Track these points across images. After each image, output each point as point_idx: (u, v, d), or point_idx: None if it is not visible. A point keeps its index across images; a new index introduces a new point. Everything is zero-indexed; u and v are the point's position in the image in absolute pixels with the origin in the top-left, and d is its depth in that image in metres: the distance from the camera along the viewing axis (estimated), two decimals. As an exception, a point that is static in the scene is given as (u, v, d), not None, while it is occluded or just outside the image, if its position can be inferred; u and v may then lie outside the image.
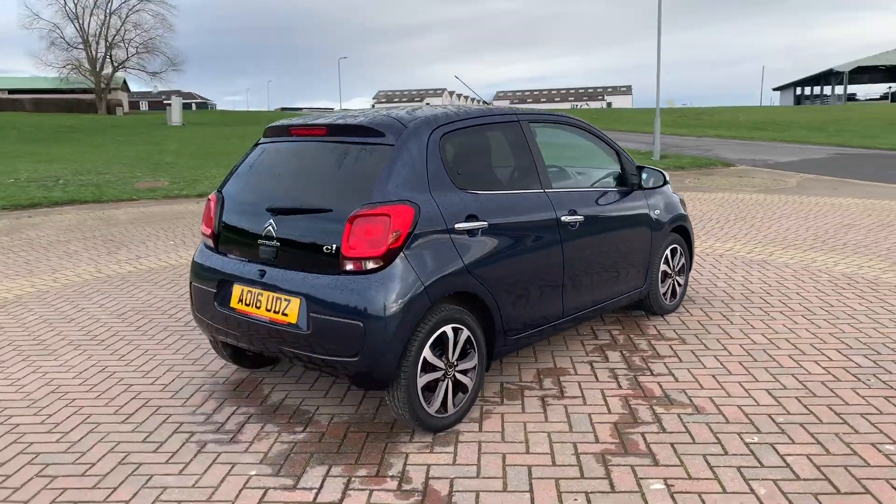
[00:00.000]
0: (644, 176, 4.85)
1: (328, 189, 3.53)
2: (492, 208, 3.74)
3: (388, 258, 3.26)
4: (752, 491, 2.93)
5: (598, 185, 4.79)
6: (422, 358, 3.37)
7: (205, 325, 3.99)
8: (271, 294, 3.54)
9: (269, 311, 3.53)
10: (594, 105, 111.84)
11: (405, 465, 3.23)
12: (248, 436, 3.57)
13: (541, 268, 3.99)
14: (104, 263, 7.62)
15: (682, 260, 5.44)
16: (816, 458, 3.19)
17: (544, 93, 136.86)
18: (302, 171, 3.75)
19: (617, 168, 4.87)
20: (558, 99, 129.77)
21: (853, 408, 3.69)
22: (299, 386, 4.19)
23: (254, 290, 3.63)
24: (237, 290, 3.72)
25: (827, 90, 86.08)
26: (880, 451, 3.24)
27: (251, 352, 3.83)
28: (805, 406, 3.73)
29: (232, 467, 3.25)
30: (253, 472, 3.20)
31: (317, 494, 3.00)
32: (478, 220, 3.62)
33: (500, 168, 4.14)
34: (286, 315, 3.46)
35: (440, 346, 3.46)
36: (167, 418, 3.79)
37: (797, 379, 4.09)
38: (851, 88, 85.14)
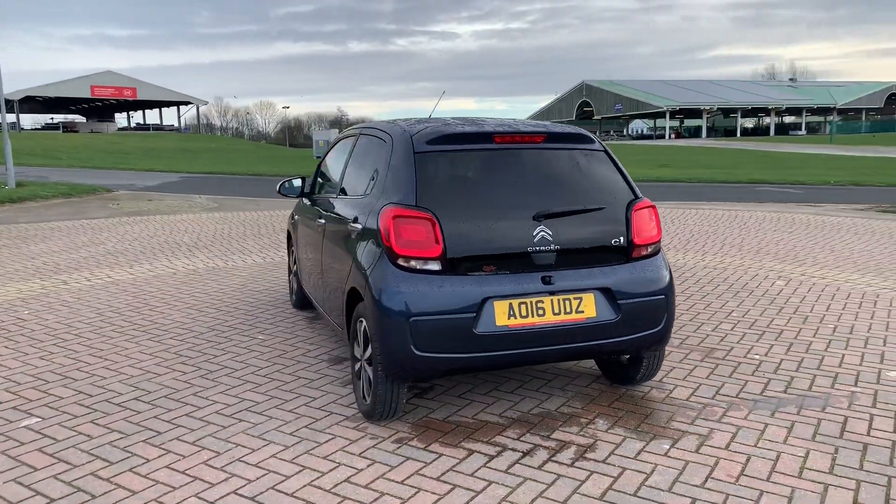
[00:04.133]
0: None
1: (586, 190, 3.77)
2: None
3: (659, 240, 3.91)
4: None
5: None
6: None
7: (445, 361, 3.45)
8: (556, 298, 3.56)
9: (556, 314, 3.55)
10: None
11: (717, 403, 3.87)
12: (570, 454, 3.40)
13: None
14: None
15: None
16: None
17: None
18: (541, 176, 3.76)
19: None
20: None
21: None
22: (479, 404, 3.96)
23: (529, 299, 3.52)
24: (501, 306, 3.47)
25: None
26: None
27: (529, 364, 3.72)
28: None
29: (639, 468, 3.20)
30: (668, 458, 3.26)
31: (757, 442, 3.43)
32: None
33: None
34: (581, 312, 3.58)
35: None
36: (451, 468, 3.24)
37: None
38: (21, 117, 79.12)
